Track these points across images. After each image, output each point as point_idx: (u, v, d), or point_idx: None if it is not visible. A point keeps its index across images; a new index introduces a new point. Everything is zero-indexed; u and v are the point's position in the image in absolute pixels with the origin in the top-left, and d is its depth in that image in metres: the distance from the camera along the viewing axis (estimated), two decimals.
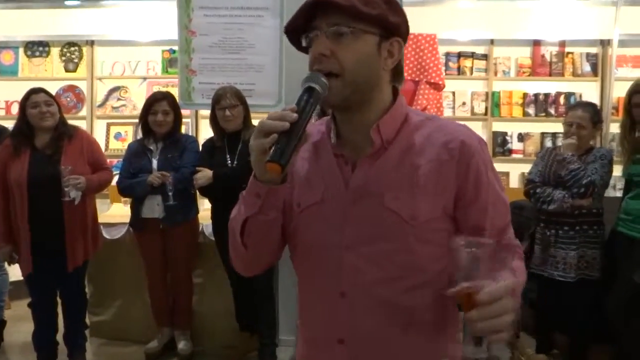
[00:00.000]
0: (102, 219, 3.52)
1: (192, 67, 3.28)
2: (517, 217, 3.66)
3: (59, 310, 3.14)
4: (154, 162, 3.12)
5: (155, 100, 3.11)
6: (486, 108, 4.87)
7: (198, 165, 3.05)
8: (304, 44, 1.05)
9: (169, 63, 4.66)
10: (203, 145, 3.28)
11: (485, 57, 4.86)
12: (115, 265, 3.49)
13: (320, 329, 1.13)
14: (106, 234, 3.41)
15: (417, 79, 4.30)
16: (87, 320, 3.39)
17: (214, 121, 3.08)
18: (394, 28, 1.04)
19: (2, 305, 3.56)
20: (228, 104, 2.99)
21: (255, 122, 3.17)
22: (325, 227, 1.07)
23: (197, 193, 3.23)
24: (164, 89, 4.02)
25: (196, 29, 3.23)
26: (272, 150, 0.92)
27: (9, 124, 3.47)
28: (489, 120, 4.85)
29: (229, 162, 3.06)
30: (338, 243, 1.06)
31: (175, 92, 3.51)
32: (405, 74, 4.29)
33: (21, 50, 4.92)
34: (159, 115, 3.09)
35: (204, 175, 2.97)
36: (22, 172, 2.79)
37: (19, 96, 4.08)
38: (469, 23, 4.66)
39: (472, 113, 4.89)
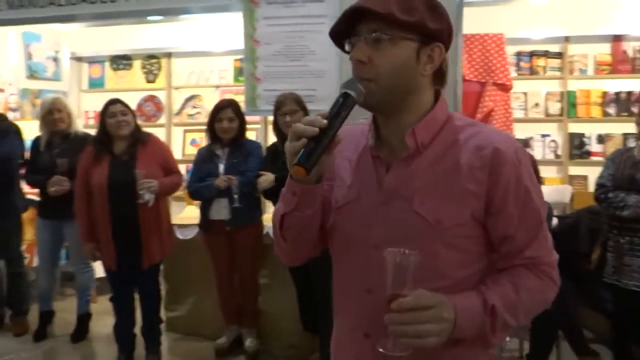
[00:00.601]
0: (176, 220, 3.75)
1: (257, 75, 3.41)
2: (592, 223, 3.50)
3: (137, 305, 3.37)
4: (221, 167, 3.27)
5: (221, 108, 3.26)
6: (561, 108, 4.67)
7: (262, 169, 3.17)
8: (347, 48, 1.09)
9: (240, 72, 4.86)
10: (267, 149, 3.41)
11: (559, 55, 4.67)
12: (188, 264, 3.68)
13: (349, 322, 1.17)
14: (180, 235, 3.61)
15: (483, 80, 4.21)
16: (163, 316, 3.62)
17: (276, 127, 3.19)
18: (434, 34, 1.04)
19: (88, 299, 3.87)
20: (288, 109, 3.09)
21: None
22: (357, 226, 1.11)
23: (262, 196, 3.35)
24: (235, 97, 4.21)
25: (260, 38, 3.36)
26: (299, 154, 0.97)
27: None
28: (565, 121, 4.65)
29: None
30: (367, 241, 1.09)
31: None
32: (471, 75, 4.23)
33: (107, 64, 5.34)
34: (224, 123, 3.24)
35: (267, 178, 3.08)
36: (102, 176, 3.03)
37: None
38: (541, 21, 4.49)
39: (546, 114, 4.71)
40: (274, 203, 3.28)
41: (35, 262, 4.15)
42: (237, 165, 3.26)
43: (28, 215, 3.96)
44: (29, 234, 4.06)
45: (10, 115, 4.48)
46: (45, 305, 3.83)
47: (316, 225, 1.14)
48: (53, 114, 3.50)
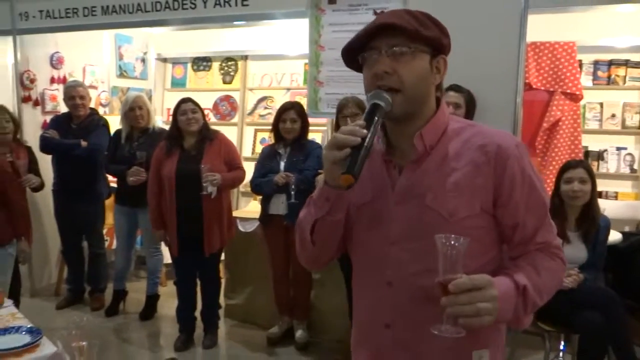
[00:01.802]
0: (239, 213, 3.98)
1: (320, 79, 3.55)
2: None
3: (198, 290, 3.62)
4: (282, 164, 3.44)
5: (285, 110, 3.44)
6: None
7: (320, 169, 3.30)
8: (360, 62, 1.18)
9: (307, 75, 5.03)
10: None
11: None
12: (248, 255, 3.87)
13: (369, 314, 1.26)
14: (241, 227, 3.82)
15: (551, 89, 4.09)
16: (222, 303, 3.85)
17: (337, 128, 3.31)
18: (444, 48, 1.16)
19: (157, 281, 4.18)
20: (350, 112, 3.19)
21: None
22: (373, 225, 1.20)
23: None
24: (304, 99, 4.37)
25: (324, 44, 3.50)
26: (347, 163, 1.04)
27: None
28: None
29: None
30: (385, 239, 1.18)
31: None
32: (539, 84, 4.13)
33: (189, 65, 5.69)
34: (287, 123, 3.40)
35: (322, 177, 3.21)
36: (172, 169, 3.30)
37: None
38: (624, 28, 4.30)
39: (623, 126, 4.49)
40: None
41: (114, 245, 4.55)
42: (296, 163, 3.41)
43: (109, 201, 4.34)
44: (109, 218, 4.45)
45: (101, 111, 4.93)
46: (120, 285, 4.18)
47: (342, 228, 1.23)
48: (134, 111, 3.83)
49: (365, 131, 1.05)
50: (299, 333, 3.59)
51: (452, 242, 1.01)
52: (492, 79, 3.12)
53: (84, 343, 1.56)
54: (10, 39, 4.41)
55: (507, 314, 1.06)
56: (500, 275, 1.09)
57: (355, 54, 1.18)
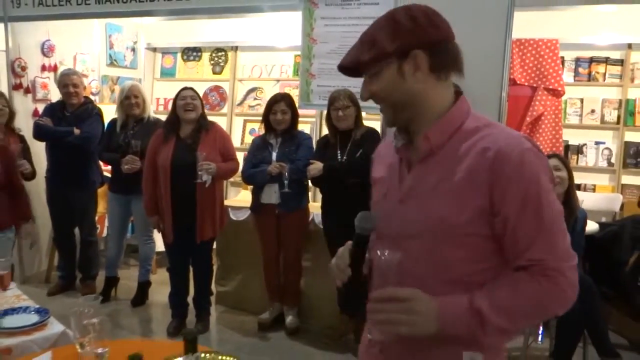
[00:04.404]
0: (231, 202, 4.06)
1: (312, 72, 3.64)
2: (635, 232, 3.52)
3: (191, 277, 3.70)
4: (274, 155, 3.52)
5: (275, 101, 3.51)
6: (618, 116, 4.62)
7: (312, 159, 3.40)
8: None
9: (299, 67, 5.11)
10: (318, 141, 3.63)
11: (620, 62, 4.62)
12: (239, 243, 3.96)
13: None
14: (233, 216, 3.91)
15: (534, 85, 4.24)
16: (214, 289, 3.94)
17: (329, 120, 3.41)
18: (405, 48, 1.11)
19: (149, 269, 4.25)
20: (341, 105, 3.30)
21: (366, 122, 3.45)
22: (381, 221, 1.21)
23: (309, 184, 3.59)
24: (293, 91, 4.45)
25: (317, 37, 3.58)
26: (341, 297, 1.21)
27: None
28: (621, 130, 4.60)
29: (340, 157, 3.37)
30: (388, 235, 1.20)
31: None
32: (523, 80, 4.28)
33: (179, 55, 5.73)
34: (278, 115, 3.49)
35: (316, 167, 3.31)
36: (167, 156, 3.37)
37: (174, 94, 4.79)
38: (604, 27, 4.46)
39: (602, 121, 4.67)
40: (322, 190, 3.51)
41: (105, 232, 4.60)
42: (288, 154, 3.50)
43: (101, 189, 4.39)
44: (100, 206, 4.50)
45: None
46: (112, 272, 4.24)
47: None
48: (130, 99, 3.88)
49: (349, 273, 1.17)
50: (289, 319, 3.69)
51: (383, 255, 1.10)
52: (478, 74, 3.22)
53: (95, 320, 1.64)
54: (1, 25, 4.40)
55: (454, 329, 1.06)
56: (463, 293, 1.08)
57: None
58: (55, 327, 1.97)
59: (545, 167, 1.10)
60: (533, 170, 1.06)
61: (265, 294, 3.78)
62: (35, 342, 1.86)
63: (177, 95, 3.47)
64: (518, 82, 4.22)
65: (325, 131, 4.50)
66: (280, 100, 3.50)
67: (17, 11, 4.37)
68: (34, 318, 1.97)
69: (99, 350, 1.64)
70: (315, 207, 3.72)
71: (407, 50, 1.11)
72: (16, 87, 4.46)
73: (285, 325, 3.68)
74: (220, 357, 1.64)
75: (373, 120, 3.88)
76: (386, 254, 1.09)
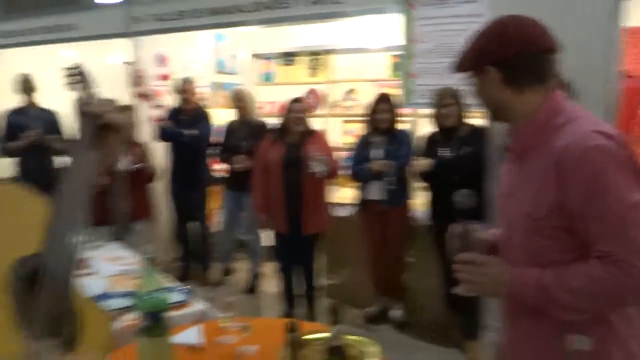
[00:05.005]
0: (335, 199, 4.24)
1: (413, 71, 3.73)
2: None
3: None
4: (378, 153, 3.66)
5: (379, 101, 3.68)
6: None
7: (419, 155, 3.50)
8: None
9: (395, 67, 5.20)
10: (428, 138, 3.69)
11: None
12: (346, 238, 4.09)
13: None
14: (338, 212, 4.09)
15: None
16: (323, 283, 4.12)
17: (435, 117, 3.49)
18: (480, 64, 1.30)
19: (258, 261, 4.54)
20: (445, 102, 3.38)
21: (468, 120, 3.49)
22: (498, 212, 1.44)
23: (410, 182, 3.69)
24: (389, 90, 4.56)
25: (417, 37, 3.67)
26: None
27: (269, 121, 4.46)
28: None
29: (448, 153, 3.44)
30: (502, 225, 1.40)
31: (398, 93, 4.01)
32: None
33: (277, 60, 6.01)
34: (382, 114, 3.64)
35: (425, 162, 3.41)
36: (279, 154, 3.63)
37: (274, 98, 5.13)
38: None
39: None
40: (430, 184, 3.57)
41: (217, 227, 4.95)
42: (391, 151, 3.63)
43: (213, 188, 4.74)
44: (212, 203, 4.85)
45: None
46: (227, 263, 4.58)
47: None
48: (237, 102, 4.24)
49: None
50: (395, 313, 3.82)
51: (461, 230, 1.35)
52: (580, 67, 3.10)
53: (231, 298, 1.86)
54: (123, 40, 4.87)
55: (522, 297, 1.22)
56: (538, 269, 1.21)
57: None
58: (197, 305, 2.22)
59: (618, 161, 1.13)
60: (595, 167, 1.13)
61: (371, 288, 3.91)
62: (183, 317, 2.11)
63: (288, 109, 3.69)
64: (630, 74, 4.04)
65: (420, 130, 4.58)
66: (384, 100, 3.64)
67: (137, 27, 4.82)
68: (181, 296, 2.23)
69: (243, 324, 1.85)
70: (416, 203, 3.80)
71: (482, 65, 1.30)
72: (139, 96, 4.91)
73: (392, 319, 3.80)
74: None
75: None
76: (467, 225, 1.36)
